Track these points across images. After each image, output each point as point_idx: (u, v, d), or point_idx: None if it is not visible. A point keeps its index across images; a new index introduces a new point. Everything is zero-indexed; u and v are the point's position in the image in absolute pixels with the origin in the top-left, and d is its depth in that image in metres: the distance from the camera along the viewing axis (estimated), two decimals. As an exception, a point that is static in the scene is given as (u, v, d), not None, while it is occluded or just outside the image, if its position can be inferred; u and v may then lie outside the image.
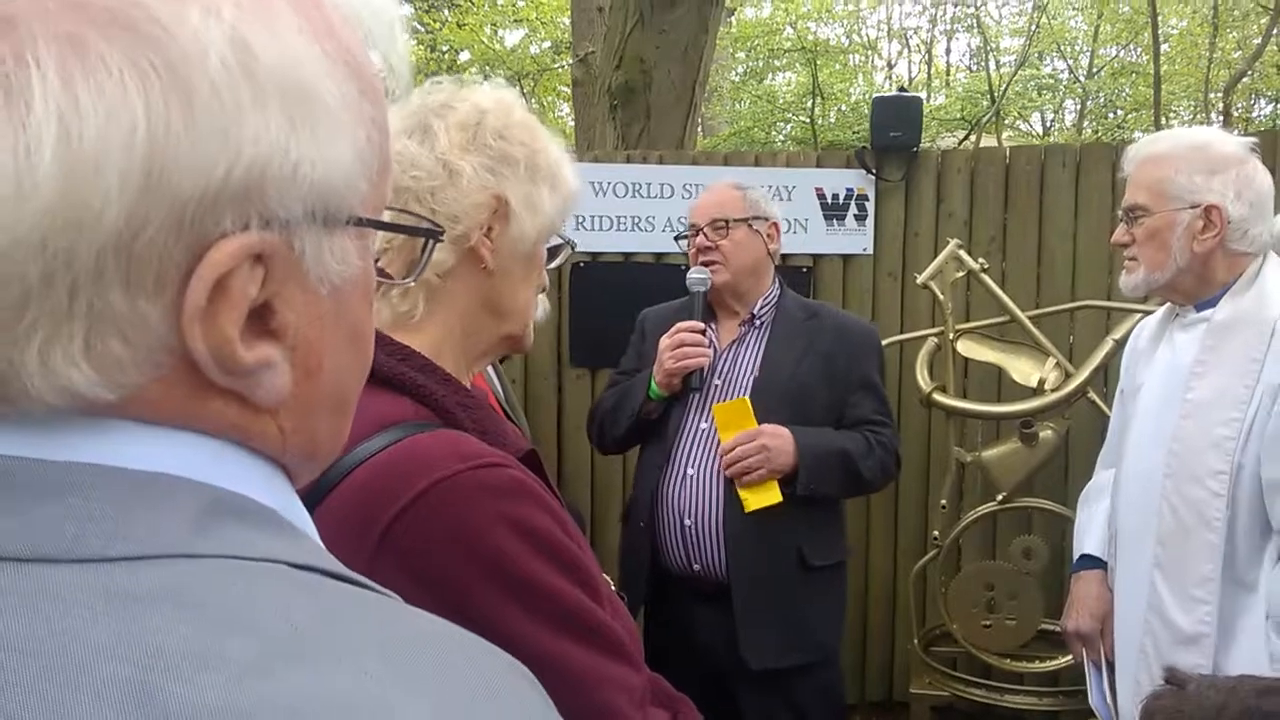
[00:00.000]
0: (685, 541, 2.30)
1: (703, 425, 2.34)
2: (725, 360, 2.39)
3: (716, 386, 2.36)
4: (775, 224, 2.46)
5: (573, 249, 1.17)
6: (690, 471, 2.32)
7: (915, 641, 3.38)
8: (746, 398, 2.28)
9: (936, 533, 3.30)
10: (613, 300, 3.54)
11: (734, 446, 2.22)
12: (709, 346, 2.31)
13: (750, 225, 2.39)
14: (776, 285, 2.47)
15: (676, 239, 2.55)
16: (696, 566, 2.30)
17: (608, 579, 1.05)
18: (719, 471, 2.28)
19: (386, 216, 0.55)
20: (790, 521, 2.26)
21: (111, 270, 0.41)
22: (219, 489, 0.46)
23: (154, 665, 0.37)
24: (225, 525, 0.44)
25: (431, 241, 0.74)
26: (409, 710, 0.39)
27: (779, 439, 2.23)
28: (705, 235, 2.38)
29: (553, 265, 1.15)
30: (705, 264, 2.37)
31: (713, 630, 2.29)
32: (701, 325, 2.29)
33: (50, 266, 0.39)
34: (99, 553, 0.40)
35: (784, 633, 2.26)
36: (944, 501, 3.28)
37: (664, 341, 2.29)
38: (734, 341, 2.41)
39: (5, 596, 0.38)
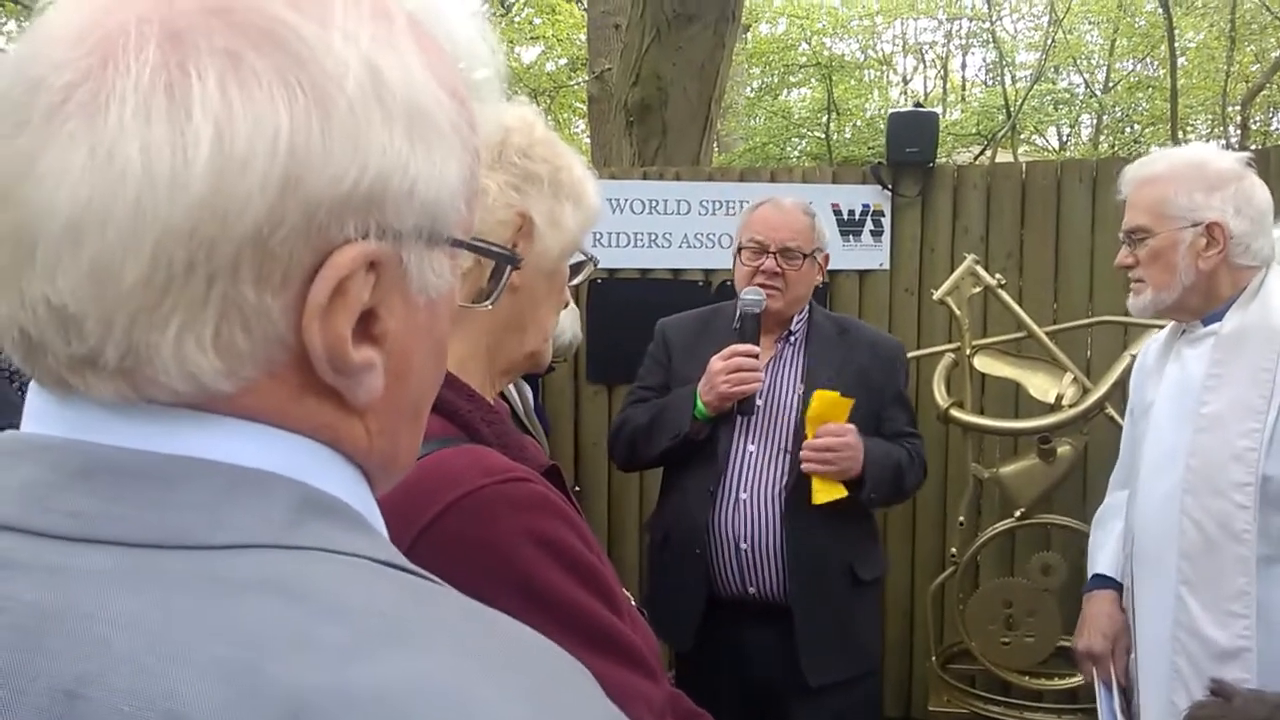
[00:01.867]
0: (741, 565, 2.29)
1: (751, 448, 2.34)
2: (766, 380, 2.36)
3: (759, 407, 2.34)
4: (827, 255, 2.48)
5: (595, 265, 1.18)
6: (744, 496, 2.31)
7: (933, 658, 3.36)
8: (851, 399, 2.27)
9: (954, 549, 3.29)
10: (630, 317, 3.55)
11: (826, 436, 2.22)
12: (762, 371, 2.29)
13: (814, 257, 2.40)
14: (807, 301, 2.48)
15: (738, 250, 2.43)
16: (752, 590, 2.29)
17: (627, 593, 1.06)
18: (776, 494, 2.28)
19: None
20: (841, 538, 2.28)
21: (247, 264, 0.44)
22: (310, 487, 0.49)
23: (253, 646, 0.40)
24: (315, 520, 0.47)
25: (509, 268, 0.75)
26: (491, 696, 0.42)
27: (859, 441, 2.24)
28: (777, 261, 2.34)
29: (576, 282, 1.16)
30: (764, 286, 2.32)
31: (766, 650, 2.29)
32: (757, 349, 2.26)
33: (194, 255, 0.43)
34: (203, 540, 0.44)
35: (840, 648, 2.28)
36: (962, 518, 3.27)
37: (717, 363, 2.24)
38: (772, 359, 2.41)
39: (121, 578, 0.42)
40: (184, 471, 0.45)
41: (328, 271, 0.46)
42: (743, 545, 2.29)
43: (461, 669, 0.42)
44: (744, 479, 2.32)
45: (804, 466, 2.22)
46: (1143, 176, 1.94)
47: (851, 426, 2.25)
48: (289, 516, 0.46)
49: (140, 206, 0.42)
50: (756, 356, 2.25)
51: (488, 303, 0.90)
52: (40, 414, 0.48)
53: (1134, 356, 3.02)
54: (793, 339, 2.43)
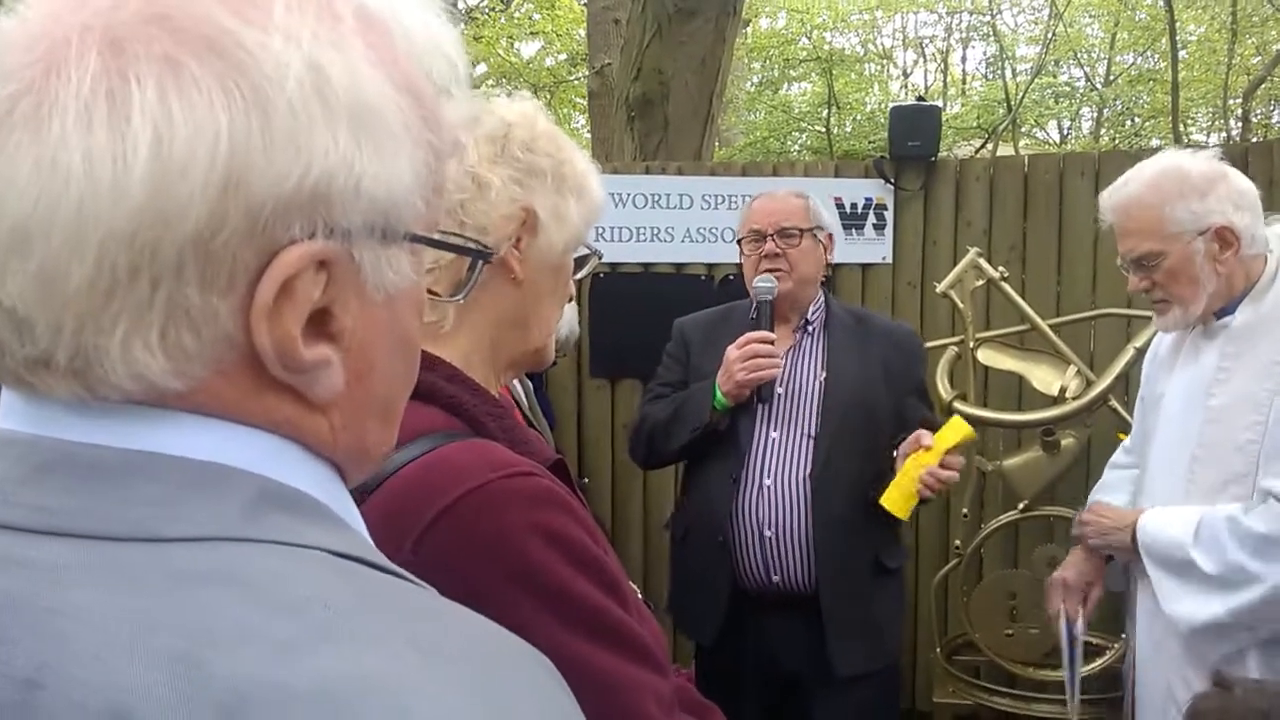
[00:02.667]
0: (765, 554, 2.29)
1: (773, 435, 2.33)
2: (786, 368, 2.36)
3: (780, 395, 2.34)
4: (830, 235, 2.47)
5: (599, 259, 1.18)
6: (767, 483, 2.30)
7: (938, 651, 3.37)
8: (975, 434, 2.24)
9: (958, 542, 3.30)
10: (632, 311, 3.56)
11: (950, 470, 2.15)
12: (779, 357, 2.29)
13: (814, 235, 2.40)
14: (822, 291, 2.48)
15: (739, 243, 2.47)
16: (776, 578, 2.29)
17: (633, 586, 1.06)
18: (800, 481, 2.28)
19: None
20: (866, 526, 2.28)
21: (190, 266, 0.45)
22: (270, 480, 0.49)
23: (202, 639, 0.41)
24: (273, 513, 0.48)
25: (481, 262, 0.76)
26: (432, 690, 0.42)
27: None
28: (775, 242, 2.36)
29: (580, 276, 1.16)
30: (771, 271, 2.34)
31: (790, 640, 2.29)
32: (772, 336, 2.26)
33: (137, 260, 0.44)
34: (158, 533, 0.45)
35: (865, 637, 2.28)
36: (965, 510, 3.28)
37: (733, 352, 2.25)
38: (791, 348, 2.41)
39: (77, 571, 0.43)
40: (141, 466, 0.46)
41: (273, 272, 0.46)
42: (767, 533, 2.28)
43: (405, 663, 0.43)
44: (767, 466, 2.32)
45: (920, 491, 2.16)
46: (1127, 202, 1.93)
47: (963, 461, 2.23)
48: (245, 510, 0.47)
49: (83, 212, 0.43)
50: (772, 343, 2.25)
51: (459, 296, 0.90)
52: (9, 410, 0.49)
53: (1137, 349, 3.03)
54: (810, 328, 2.43)
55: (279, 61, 0.46)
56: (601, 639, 0.90)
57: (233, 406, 0.49)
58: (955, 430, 2.16)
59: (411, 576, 0.52)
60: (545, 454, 1.02)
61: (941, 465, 2.14)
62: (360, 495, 0.91)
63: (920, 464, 2.14)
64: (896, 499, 2.16)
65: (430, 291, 0.99)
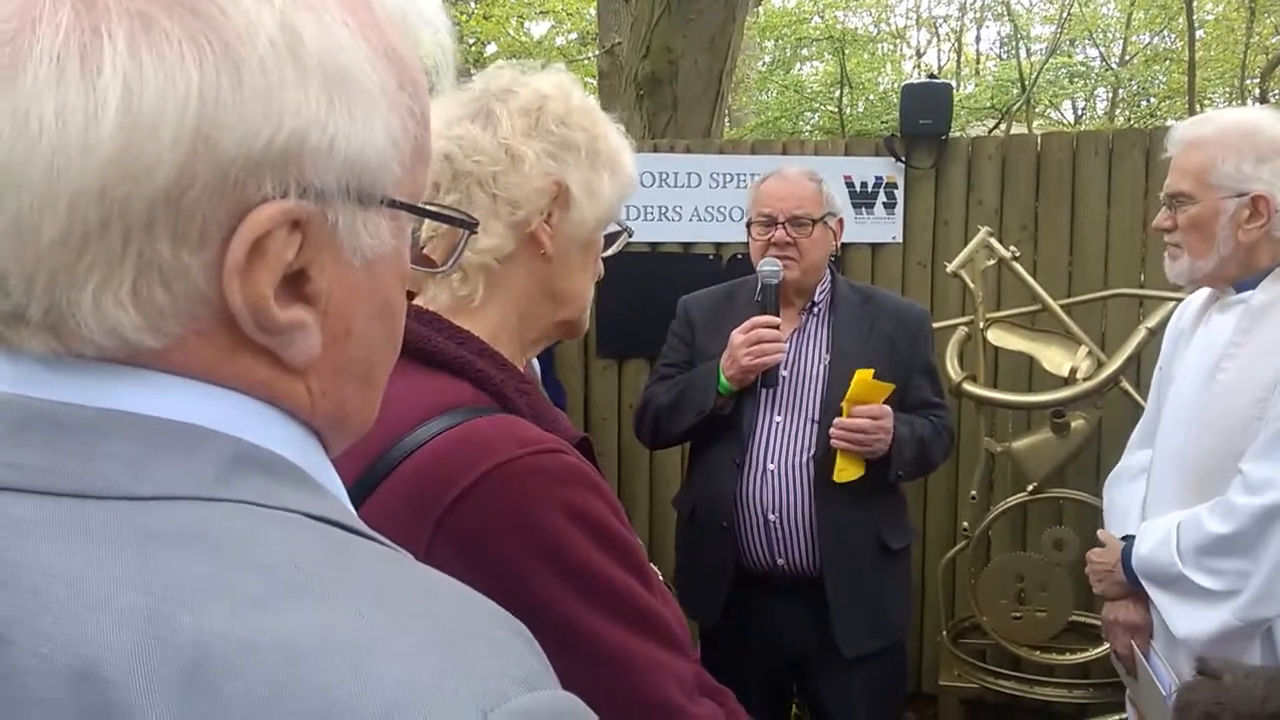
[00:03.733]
0: (769, 537, 2.29)
1: (777, 419, 2.33)
2: (791, 351, 2.36)
3: (784, 378, 2.33)
4: (840, 219, 2.45)
5: (630, 235, 1.16)
6: (771, 467, 2.30)
7: (944, 633, 3.36)
8: (892, 385, 2.26)
9: (966, 524, 3.28)
10: (639, 291, 3.54)
11: (862, 418, 2.20)
12: (784, 342, 2.27)
13: (825, 222, 2.38)
14: (828, 271, 2.46)
15: (748, 225, 2.46)
16: (780, 561, 2.29)
17: (655, 568, 1.05)
18: (803, 465, 2.27)
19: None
20: (870, 507, 2.28)
21: (161, 221, 0.45)
22: (246, 442, 0.50)
23: (168, 596, 0.42)
24: (247, 475, 0.49)
25: (467, 233, 0.75)
26: (393, 648, 0.42)
27: (891, 425, 2.23)
28: (786, 231, 2.33)
29: (610, 252, 1.15)
30: (780, 258, 2.32)
31: (795, 622, 2.29)
32: (777, 320, 2.25)
33: (107, 214, 0.44)
34: (129, 492, 0.45)
35: (870, 618, 2.28)
36: (974, 492, 3.26)
37: (738, 336, 2.23)
38: (796, 330, 2.39)
39: (47, 527, 0.44)
40: (113, 425, 0.47)
41: (244, 230, 0.47)
42: (771, 516, 2.28)
43: (369, 621, 0.43)
44: (771, 450, 2.31)
45: (833, 443, 2.21)
46: (1191, 138, 1.89)
47: (888, 410, 2.23)
48: (218, 470, 0.48)
49: (54, 166, 0.43)
50: (777, 327, 2.24)
51: (446, 267, 0.89)
52: None
53: (1149, 330, 3.00)
54: (816, 310, 2.41)
55: (251, 19, 0.46)
56: (624, 619, 0.90)
57: (209, 367, 0.49)
58: (855, 383, 2.22)
59: (386, 540, 0.53)
60: (571, 431, 1.01)
61: (851, 416, 2.20)
62: (387, 467, 0.92)
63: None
64: (840, 468, 2.23)
65: (426, 259, 0.98)
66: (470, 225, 0.71)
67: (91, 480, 0.45)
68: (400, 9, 0.56)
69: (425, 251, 0.99)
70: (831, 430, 2.21)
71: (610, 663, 0.87)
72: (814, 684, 2.34)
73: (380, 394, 0.61)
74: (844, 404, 2.23)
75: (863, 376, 2.23)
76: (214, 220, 0.46)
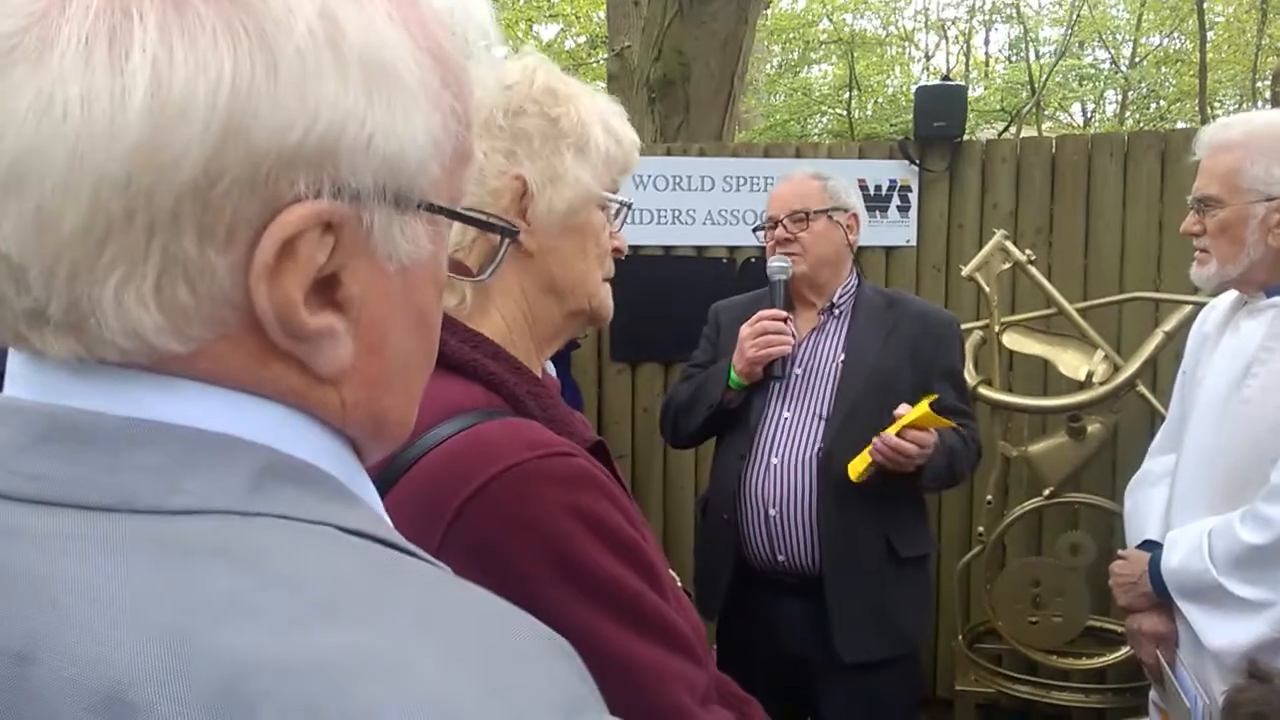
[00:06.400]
0: (770, 532, 2.27)
1: (785, 414, 2.32)
2: (806, 349, 2.36)
3: (798, 376, 2.34)
4: (855, 215, 2.43)
5: (629, 209, 1.12)
6: (775, 461, 2.29)
7: (960, 638, 3.34)
8: (949, 421, 2.22)
9: (982, 528, 3.27)
10: (653, 294, 3.53)
11: (910, 443, 2.14)
12: (791, 335, 2.28)
13: (830, 217, 2.37)
14: (854, 275, 2.45)
15: (755, 230, 2.49)
16: (781, 558, 2.27)
17: (673, 575, 1.04)
18: (807, 460, 2.26)
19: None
20: (878, 512, 2.25)
21: (187, 215, 0.43)
22: (278, 452, 0.48)
23: (197, 613, 0.40)
24: (280, 487, 0.47)
25: (506, 240, 0.73)
26: (431, 669, 0.40)
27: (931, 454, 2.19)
28: (785, 227, 2.35)
29: (617, 227, 1.10)
30: (785, 254, 2.34)
31: (797, 622, 2.27)
32: (784, 313, 2.26)
33: (132, 204, 0.42)
34: (157, 505, 0.44)
35: (875, 625, 2.24)
36: (989, 497, 3.25)
37: (745, 330, 2.26)
38: (814, 330, 2.39)
39: (72, 541, 0.42)
40: (142, 435, 0.45)
41: (274, 229, 0.44)
42: (771, 511, 2.27)
43: (407, 641, 0.41)
44: (776, 444, 2.30)
45: (872, 453, 2.16)
46: (1219, 142, 1.87)
47: (935, 440, 2.19)
48: (250, 482, 0.46)
49: (78, 151, 0.41)
50: (786, 320, 2.25)
51: (485, 275, 0.87)
52: (14, 377, 0.48)
53: (1166, 334, 2.99)
54: (838, 311, 2.40)
55: (290, 6, 0.44)
56: (634, 624, 0.88)
57: (239, 374, 0.47)
58: (919, 409, 2.18)
59: (425, 554, 0.51)
60: (585, 435, 1.00)
61: (902, 437, 2.15)
62: (398, 471, 0.91)
63: (882, 432, 2.18)
64: (854, 462, 2.19)
65: (462, 267, 0.97)
66: (511, 233, 0.70)
67: (119, 493, 0.44)
68: (448, 7, 0.54)
69: (458, 258, 0.97)
70: (874, 441, 2.16)
71: (617, 667, 0.85)
72: (817, 688, 2.31)
73: (417, 405, 0.58)
74: (897, 422, 2.17)
75: (926, 402, 2.18)
76: (243, 218, 0.44)
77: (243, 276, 0.45)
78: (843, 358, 2.33)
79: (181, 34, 0.42)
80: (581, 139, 1.03)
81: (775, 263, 2.32)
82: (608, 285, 1.11)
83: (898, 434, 2.15)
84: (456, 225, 0.56)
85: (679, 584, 1.03)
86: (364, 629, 0.41)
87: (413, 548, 0.50)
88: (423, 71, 0.49)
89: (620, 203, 1.09)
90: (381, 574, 0.46)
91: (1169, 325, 3.02)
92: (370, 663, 0.39)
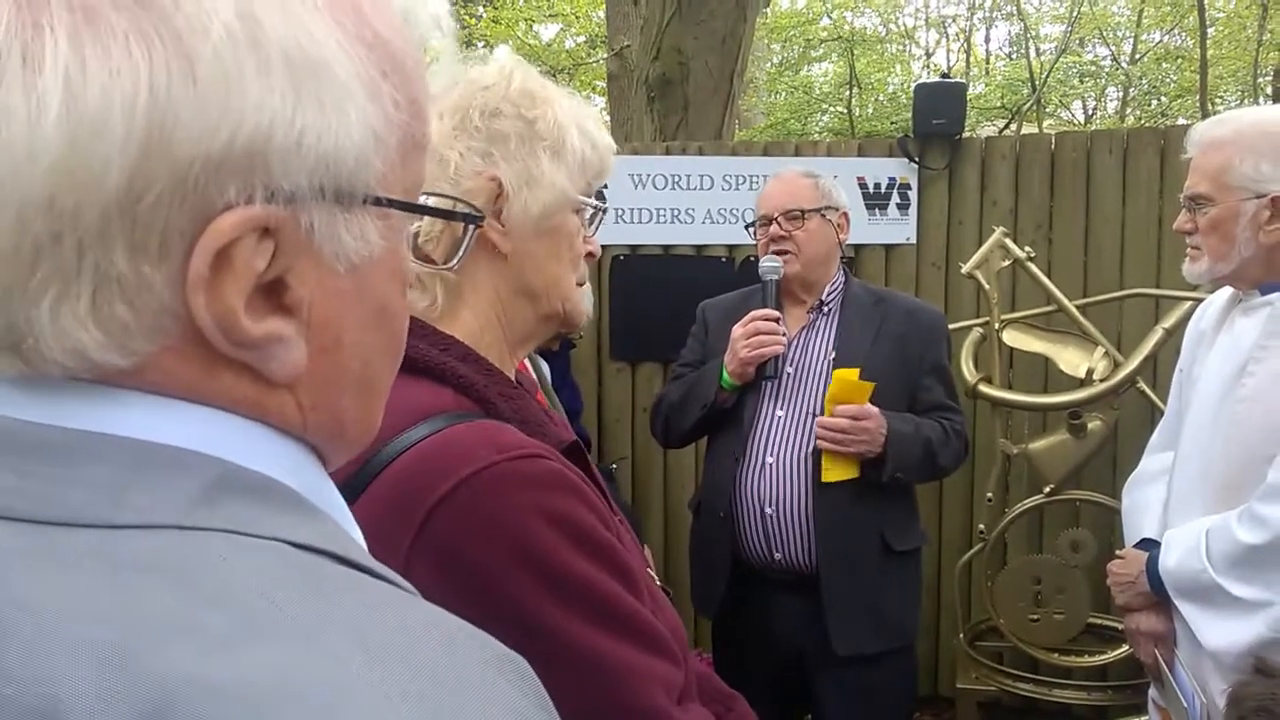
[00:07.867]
0: (766, 530, 2.29)
1: (779, 413, 2.33)
2: (796, 348, 2.38)
3: (789, 374, 2.35)
4: (845, 213, 2.45)
5: (602, 212, 1.11)
6: (770, 460, 2.30)
7: (961, 636, 3.34)
8: (872, 384, 2.25)
9: (982, 526, 3.27)
10: (653, 293, 3.53)
11: (843, 417, 2.20)
12: (783, 334, 2.29)
13: (823, 215, 2.38)
14: (842, 272, 2.46)
15: (748, 228, 2.52)
16: (778, 555, 2.29)
17: (651, 573, 1.03)
18: (803, 458, 2.27)
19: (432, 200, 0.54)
20: (872, 507, 2.26)
21: (115, 231, 0.42)
22: (230, 464, 0.47)
23: (134, 632, 0.39)
24: (230, 500, 0.45)
25: (472, 227, 0.72)
26: (368, 696, 0.39)
27: (879, 424, 2.22)
28: (779, 225, 2.36)
29: (593, 232, 1.10)
30: (778, 253, 2.35)
31: (793, 618, 2.29)
32: (776, 313, 2.27)
33: (58, 225, 0.41)
34: (103, 519, 0.42)
35: (870, 618, 2.26)
36: (990, 494, 3.24)
37: (737, 330, 2.27)
38: (803, 328, 2.40)
39: (17, 556, 0.41)
40: (89, 448, 0.44)
41: (207, 240, 0.43)
42: (768, 510, 2.28)
43: (341, 663, 0.40)
44: (770, 443, 2.31)
45: (818, 443, 2.23)
46: (1209, 139, 1.87)
47: (872, 410, 2.22)
48: (198, 496, 0.44)
49: None
50: (777, 320, 2.26)
51: (452, 264, 0.86)
52: None
53: (1166, 330, 2.98)
54: (826, 309, 2.42)
55: (205, 7, 0.43)
56: (606, 624, 0.88)
57: (188, 386, 0.46)
58: (834, 383, 2.24)
59: (382, 569, 0.49)
60: (560, 436, 0.99)
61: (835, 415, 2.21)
62: (368, 476, 0.91)
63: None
64: (827, 468, 2.24)
65: (428, 259, 0.96)
66: (475, 219, 0.68)
67: (64, 506, 0.42)
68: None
69: (426, 251, 0.96)
70: (816, 430, 2.22)
71: (589, 668, 0.85)
72: (813, 682, 2.32)
73: (383, 403, 0.57)
74: (826, 403, 2.25)
75: (842, 375, 2.24)
76: (175, 229, 0.43)
77: (181, 288, 0.44)
78: (833, 355, 2.34)
79: (93, 43, 0.41)
80: (558, 142, 1.02)
81: (767, 263, 2.33)
82: (583, 289, 1.11)
83: (830, 414, 2.21)
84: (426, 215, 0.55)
85: (659, 583, 1.03)
86: (298, 650, 0.40)
87: (370, 563, 0.49)
88: (355, 63, 0.47)
89: (595, 207, 1.08)
90: (326, 592, 0.44)
91: (1169, 322, 3.01)
92: (299, 685, 0.38)
